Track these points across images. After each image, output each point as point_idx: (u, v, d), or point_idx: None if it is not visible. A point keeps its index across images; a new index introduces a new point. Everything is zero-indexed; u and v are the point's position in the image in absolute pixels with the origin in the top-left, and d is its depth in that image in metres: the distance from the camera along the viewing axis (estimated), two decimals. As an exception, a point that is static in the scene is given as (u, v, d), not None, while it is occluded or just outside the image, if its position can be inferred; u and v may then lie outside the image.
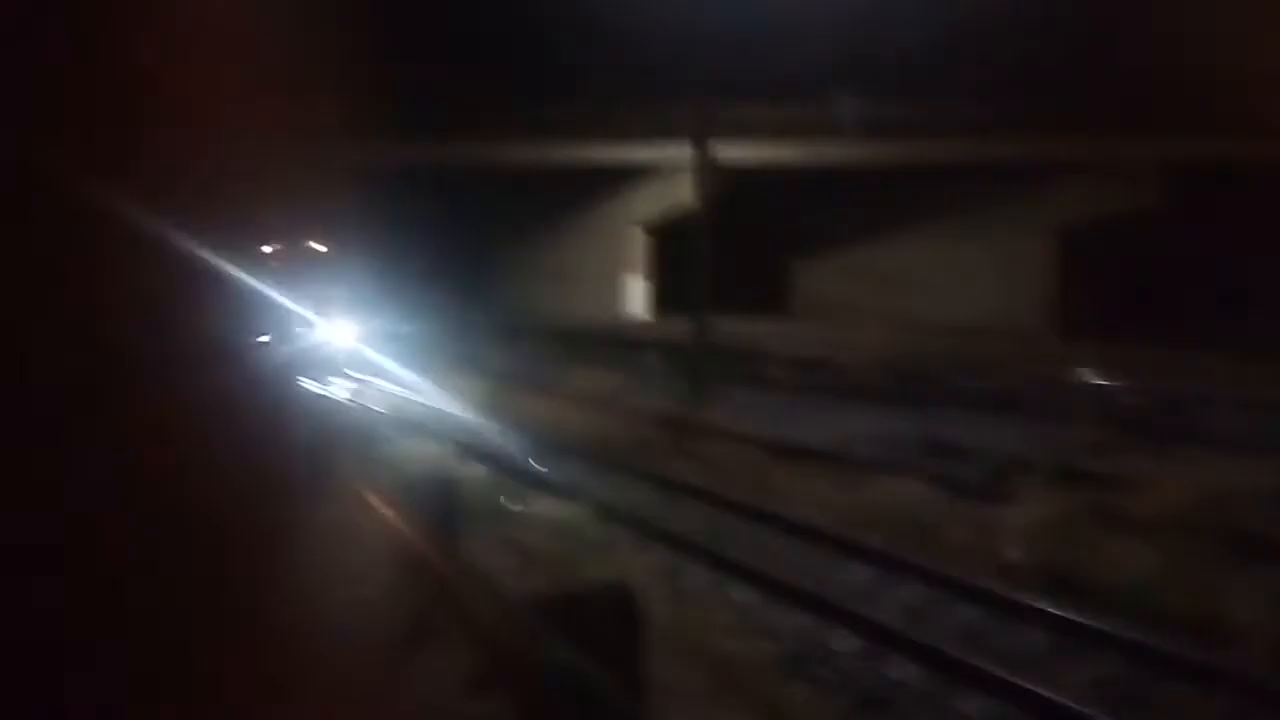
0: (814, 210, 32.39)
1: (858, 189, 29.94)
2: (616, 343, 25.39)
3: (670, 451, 12.80)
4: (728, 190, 26.30)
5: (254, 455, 1.99)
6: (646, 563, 8.12)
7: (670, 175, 30.81)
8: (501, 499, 10.19)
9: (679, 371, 18.27)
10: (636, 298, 34.18)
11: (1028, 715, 5.66)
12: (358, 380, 16.42)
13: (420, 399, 16.49)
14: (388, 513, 4.94)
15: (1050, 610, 7.08)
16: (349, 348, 17.81)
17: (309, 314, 18.86)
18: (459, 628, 3.93)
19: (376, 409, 14.92)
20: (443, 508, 5.88)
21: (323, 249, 22.53)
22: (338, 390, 14.65)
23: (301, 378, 15.37)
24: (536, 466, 11.92)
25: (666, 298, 32.85)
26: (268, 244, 21.54)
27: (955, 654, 6.34)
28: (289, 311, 19.53)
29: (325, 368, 16.00)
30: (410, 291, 20.70)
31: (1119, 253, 26.70)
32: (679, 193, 29.37)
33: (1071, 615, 6.96)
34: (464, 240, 34.38)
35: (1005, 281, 28.04)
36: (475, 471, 11.33)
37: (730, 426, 13.66)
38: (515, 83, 33.77)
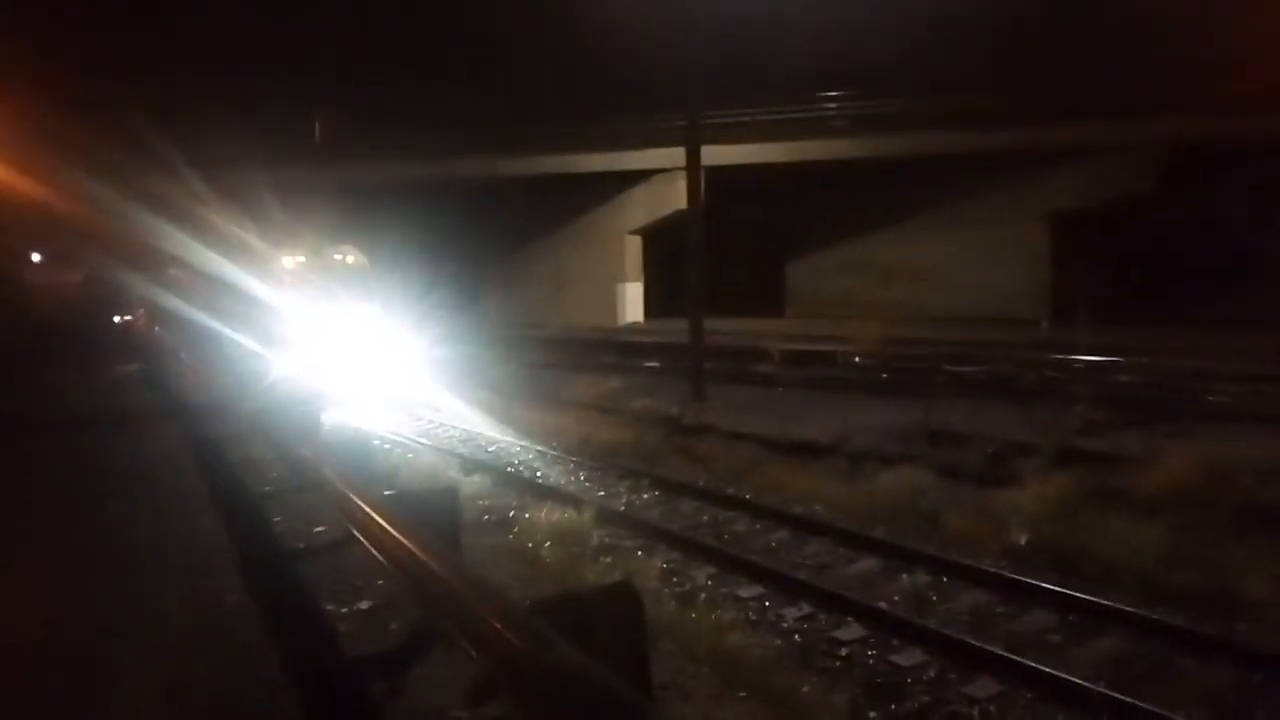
0: (807, 208, 32.41)
1: (850, 185, 29.94)
2: (615, 348, 25.38)
3: (672, 453, 12.79)
4: (720, 192, 26.36)
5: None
6: (651, 564, 8.11)
7: (662, 180, 30.86)
8: (505, 507, 10.17)
9: (678, 373, 18.26)
10: (633, 302, 34.21)
11: (1038, 695, 5.65)
12: (356, 393, 16.36)
13: (421, 412, 16.48)
14: (384, 523, 4.92)
15: (1056, 589, 7.08)
16: (354, 359, 17.67)
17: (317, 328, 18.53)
18: (461, 634, 3.92)
19: (376, 421, 14.88)
20: (443, 516, 5.86)
21: (351, 260, 21.67)
22: (331, 399, 14.60)
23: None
24: (539, 474, 11.93)
25: (663, 301, 32.91)
26: (291, 257, 20.60)
27: (962, 638, 6.34)
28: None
29: (326, 381, 15.94)
30: (410, 305, 20.35)
31: (1113, 236, 26.72)
32: (671, 197, 29.44)
33: (1077, 594, 6.97)
34: (460, 254, 34.41)
35: (1000, 269, 28.03)
36: (478, 481, 11.31)
37: (730, 425, 13.66)
38: (508, 96, 33.98)
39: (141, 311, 34.35)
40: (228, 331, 21.13)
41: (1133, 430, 11.85)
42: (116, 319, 36.41)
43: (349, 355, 17.78)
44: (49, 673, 5.09)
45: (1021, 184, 27.39)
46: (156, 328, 31.26)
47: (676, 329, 19.79)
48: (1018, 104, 25.62)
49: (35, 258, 38.72)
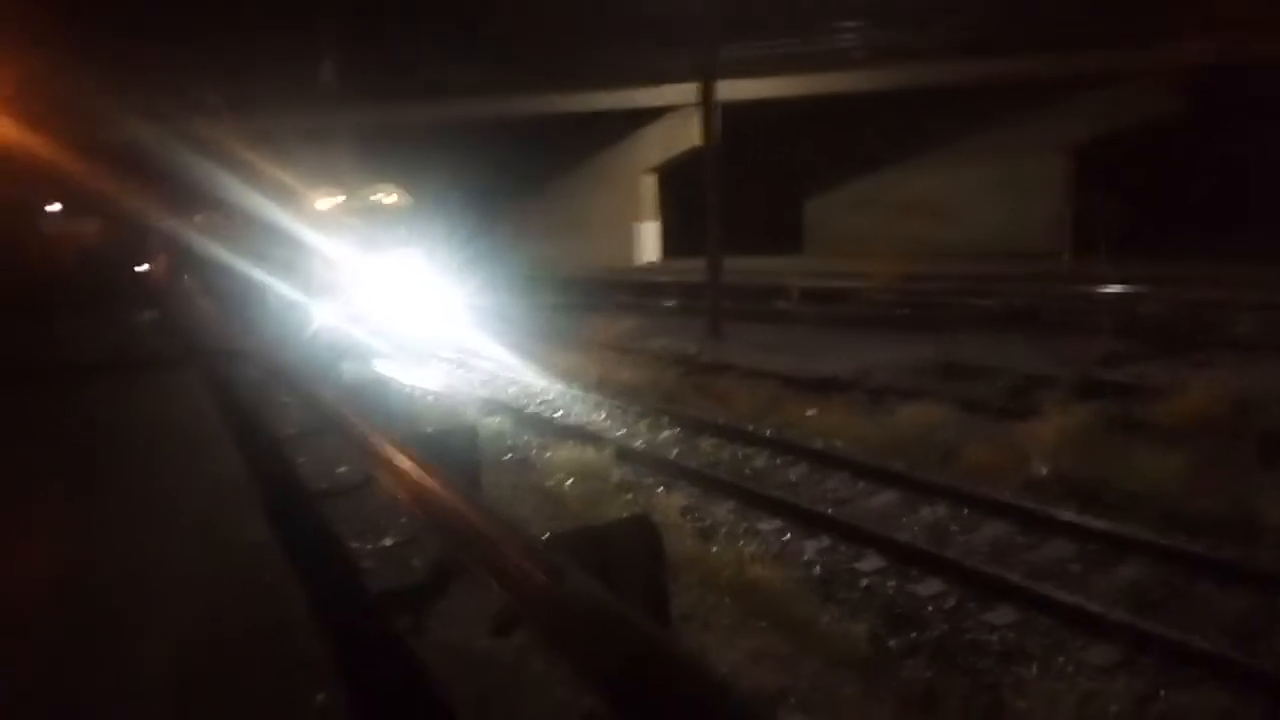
0: (825, 144, 32.00)
1: (868, 119, 29.50)
2: (632, 288, 25.32)
3: (690, 391, 12.80)
4: (734, 129, 26.04)
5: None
6: (672, 500, 8.15)
7: (676, 117, 30.51)
8: (526, 446, 10.24)
9: (695, 312, 18.21)
10: (650, 242, 34.06)
11: (1057, 623, 5.68)
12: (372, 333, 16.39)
13: (443, 353, 16.53)
14: (406, 462, 4.96)
15: (1075, 520, 7.09)
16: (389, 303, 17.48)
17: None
18: (482, 569, 3.97)
19: (400, 360, 14.95)
20: (464, 455, 5.90)
21: (393, 200, 20.50)
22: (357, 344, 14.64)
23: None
24: (559, 413, 11.98)
25: (680, 240, 32.73)
26: (328, 197, 19.59)
27: (981, 568, 6.37)
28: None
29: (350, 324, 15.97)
30: (450, 250, 19.68)
31: (1134, 166, 26.26)
32: (686, 134, 29.11)
33: (1097, 523, 6.97)
34: (476, 195, 34.21)
35: (1020, 202, 27.68)
36: (499, 421, 11.37)
37: (749, 363, 13.65)
38: (515, 34, 33.43)
39: (164, 258, 34.23)
40: (258, 277, 20.46)
41: (1155, 361, 11.78)
42: (139, 267, 36.24)
43: (387, 302, 17.56)
44: (79, 611, 5.19)
45: (1040, 113, 26.90)
46: (184, 275, 31.08)
47: (693, 268, 19.70)
48: (1035, 30, 25.06)
49: (52, 207, 38.70)
